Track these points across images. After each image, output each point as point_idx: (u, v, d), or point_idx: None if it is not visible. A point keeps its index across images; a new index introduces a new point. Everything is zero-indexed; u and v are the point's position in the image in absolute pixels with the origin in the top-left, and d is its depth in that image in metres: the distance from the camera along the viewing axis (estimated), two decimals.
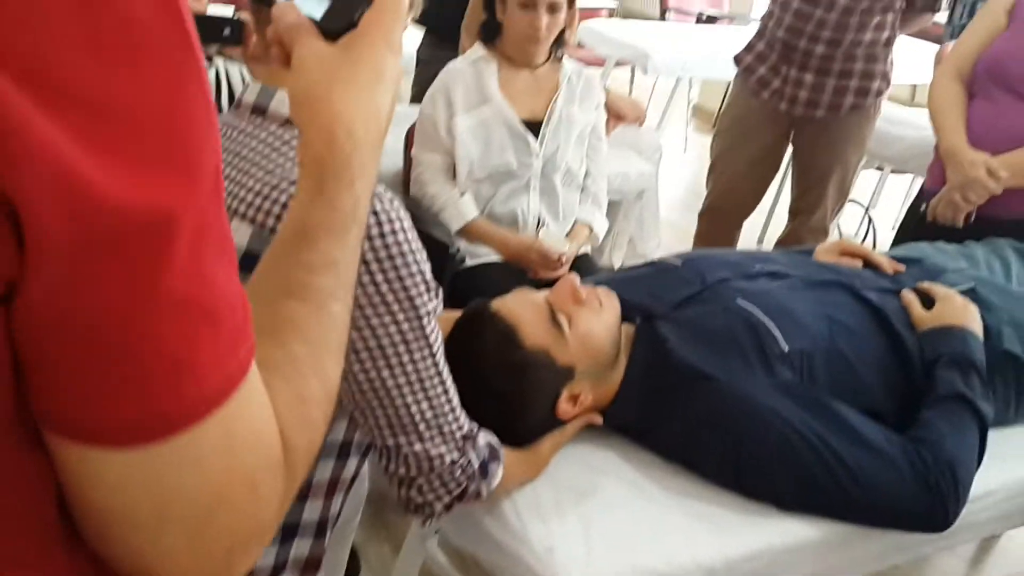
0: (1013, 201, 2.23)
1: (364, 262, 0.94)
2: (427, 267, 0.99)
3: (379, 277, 0.96)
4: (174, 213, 0.42)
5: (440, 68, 2.42)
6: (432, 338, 1.02)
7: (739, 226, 3.21)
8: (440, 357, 1.05)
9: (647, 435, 1.49)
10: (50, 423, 0.45)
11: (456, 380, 1.27)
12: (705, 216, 3.19)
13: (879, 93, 2.91)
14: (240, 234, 0.97)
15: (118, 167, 0.40)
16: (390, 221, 0.96)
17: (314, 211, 0.64)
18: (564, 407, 1.41)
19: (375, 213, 0.96)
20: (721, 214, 3.16)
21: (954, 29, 3.57)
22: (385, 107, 0.68)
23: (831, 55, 2.79)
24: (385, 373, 1.00)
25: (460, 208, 2.33)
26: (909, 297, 1.66)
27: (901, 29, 2.89)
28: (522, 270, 2.34)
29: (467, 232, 2.35)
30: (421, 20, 3.20)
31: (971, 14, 3.30)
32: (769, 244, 3.83)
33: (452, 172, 2.37)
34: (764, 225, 4.11)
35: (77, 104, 0.39)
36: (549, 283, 1.59)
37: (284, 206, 0.96)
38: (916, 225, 2.43)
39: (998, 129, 2.24)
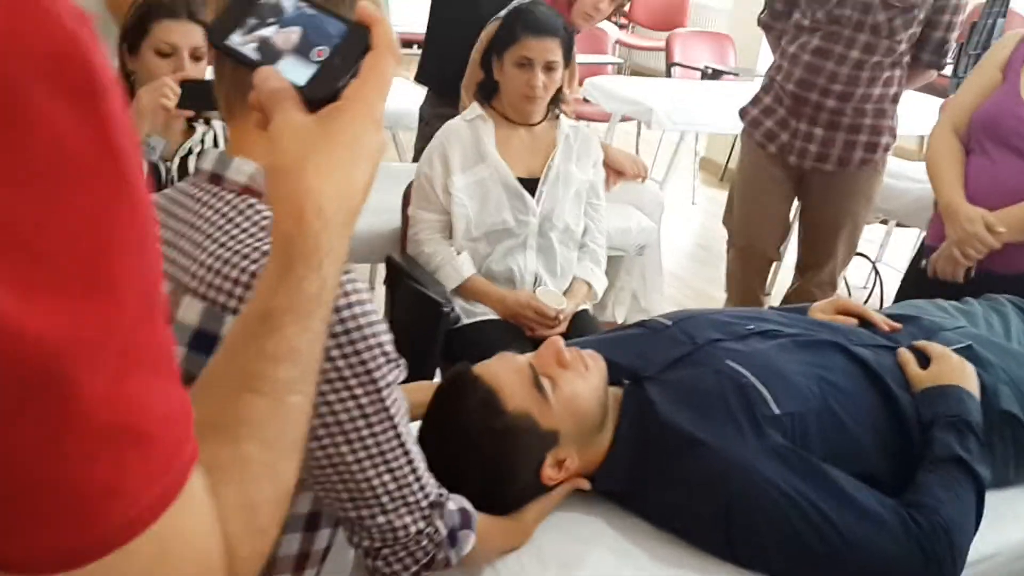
0: (1014, 256, 2.22)
1: None
2: (387, 338, 0.97)
3: (335, 353, 0.94)
4: (84, 342, 0.41)
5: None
6: (393, 409, 1.00)
7: (767, 266, 3.22)
8: (403, 427, 1.03)
9: (636, 501, 1.45)
10: None
11: (438, 445, 1.26)
12: (732, 253, 3.24)
13: (887, 148, 2.91)
14: (191, 312, 0.96)
15: (21, 299, 0.39)
16: (346, 295, 0.95)
17: (279, 293, 0.62)
18: (549, 472, 1.38)
19: None
20: (747, 254, 3.20)
21: (959, 83, 3.58)
22: (360, 184, 0.65)
23: (842, 109, 2.79)
24: (344, 449, 0.98)
25: (457, 266, 2.33)
26: (905, 356, 1.63)
27: (906, 84, 2.90)
28: (519, 328, 2.33)
29: (464, 290, 2.34)
30: (423, 79, 3.23)
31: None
32: (775, 297, 3.80)
33: (449, 231, 2.37)
34: (771, 279, 4.08)
35: None
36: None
37: (235, 282, 0.95)
38: (918, 280, 2.41)
39: (995, 184, 2.22)
